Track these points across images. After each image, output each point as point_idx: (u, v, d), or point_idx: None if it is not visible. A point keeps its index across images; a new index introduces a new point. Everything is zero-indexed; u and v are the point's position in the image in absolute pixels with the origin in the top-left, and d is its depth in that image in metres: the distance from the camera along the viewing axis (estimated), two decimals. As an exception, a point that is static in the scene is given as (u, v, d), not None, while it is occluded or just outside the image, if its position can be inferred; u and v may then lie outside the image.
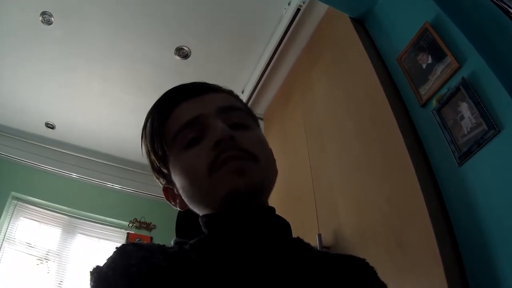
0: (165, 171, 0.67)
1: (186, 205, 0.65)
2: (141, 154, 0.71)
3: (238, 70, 2.91)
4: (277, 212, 0.64)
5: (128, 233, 3.87)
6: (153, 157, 0.67)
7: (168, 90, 0.70)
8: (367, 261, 0.65)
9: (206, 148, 0.60)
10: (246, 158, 0.59)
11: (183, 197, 0.64)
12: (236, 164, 0.58)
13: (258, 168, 0.60)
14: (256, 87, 2.83)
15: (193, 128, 0.63)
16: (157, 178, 0.71)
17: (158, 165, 0.67)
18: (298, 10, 2.28)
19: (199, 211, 0.64)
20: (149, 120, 0.69)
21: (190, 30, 2.64)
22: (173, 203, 0.69)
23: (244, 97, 2.88)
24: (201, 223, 0.62)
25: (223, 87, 0.73)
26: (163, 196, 0.70)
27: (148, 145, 0.68)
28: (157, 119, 0.66)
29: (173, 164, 0.64)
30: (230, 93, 0.73)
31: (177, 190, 0.65)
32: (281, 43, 2.48)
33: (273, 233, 0.60)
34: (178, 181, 0.64)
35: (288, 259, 0.57)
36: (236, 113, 0.67)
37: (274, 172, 0.67)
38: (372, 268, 0.64)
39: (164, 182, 0.69)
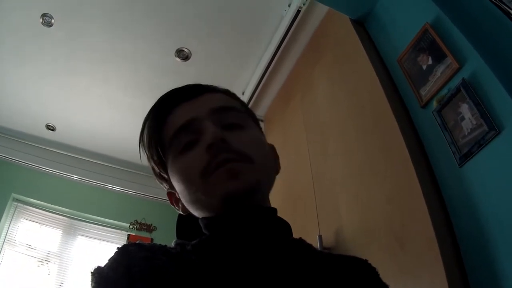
0: (165, 176, 0.66)
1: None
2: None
3: (238, 72, 2.91)
4: (278, 213, 0.64)
5: (128, 235, 3.87)
6: (152, 163, 0.67)
7: (162, 95, 0.69)
8: (369, 262, 0.65)
9: (200, 153, 0.59)
10: (239, 160, 0.58)
11: (182, 201, 0.64)
12: (229, 166, 0.57)
13: (253, 169, 0.59)
14: (257, 89, 2.83)
15: (187, 132, 0.62)
16: (160, 183, 0.71)
17: (158, 170, 0.67)
18: (299, 11, 2.27)
19: (198, 214, 0.63)
20: (145, 126, 0.68)
21: (190, 32, 2.64)
22: (176, 208, 0.69)
23: (244, 99, 2.87)
24: (201, 225, 0.62)
25: (219, 87, 0.72)
26: (164, 198, 0.70)
27: (146, 152, 0.68)
28: (153, 126, 0.66)
29: (171, 169, 0.64)
30: (226, 92, 0.72)
31: (178, 195, 0.65)
32: (282, 44, 2.48)
33: (274, 234, 0.60)
34: (176, 186, 0.63)
35: (291, 260, 0.56)
36: (231, 113, 0.66)
37: (273, 171, 0.66)
38: (374, 268, 0.64)
39: (167, 187, 0.69)
